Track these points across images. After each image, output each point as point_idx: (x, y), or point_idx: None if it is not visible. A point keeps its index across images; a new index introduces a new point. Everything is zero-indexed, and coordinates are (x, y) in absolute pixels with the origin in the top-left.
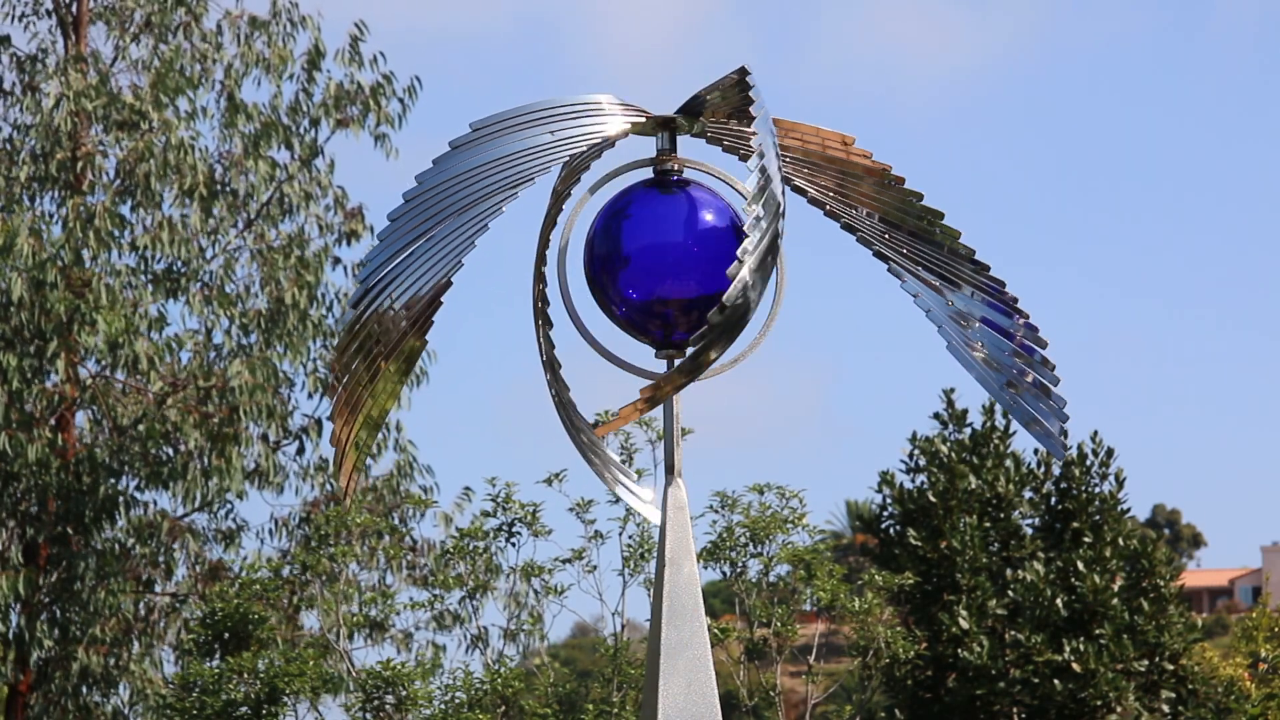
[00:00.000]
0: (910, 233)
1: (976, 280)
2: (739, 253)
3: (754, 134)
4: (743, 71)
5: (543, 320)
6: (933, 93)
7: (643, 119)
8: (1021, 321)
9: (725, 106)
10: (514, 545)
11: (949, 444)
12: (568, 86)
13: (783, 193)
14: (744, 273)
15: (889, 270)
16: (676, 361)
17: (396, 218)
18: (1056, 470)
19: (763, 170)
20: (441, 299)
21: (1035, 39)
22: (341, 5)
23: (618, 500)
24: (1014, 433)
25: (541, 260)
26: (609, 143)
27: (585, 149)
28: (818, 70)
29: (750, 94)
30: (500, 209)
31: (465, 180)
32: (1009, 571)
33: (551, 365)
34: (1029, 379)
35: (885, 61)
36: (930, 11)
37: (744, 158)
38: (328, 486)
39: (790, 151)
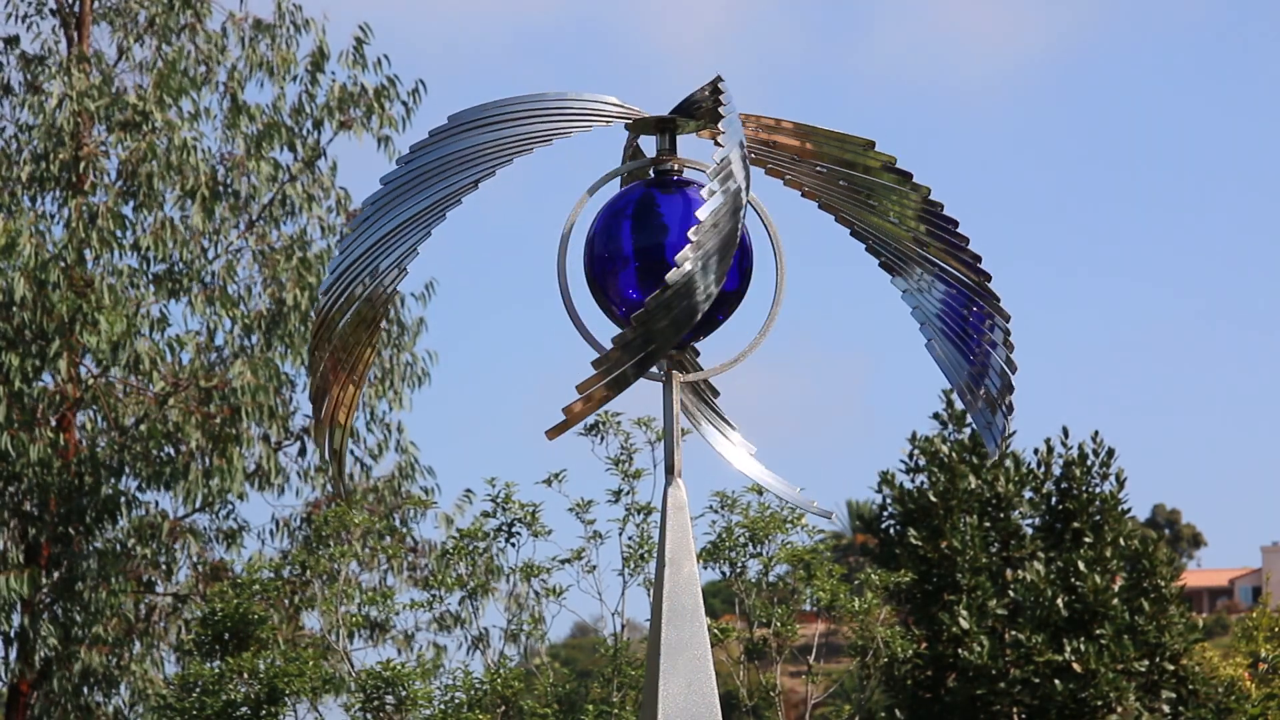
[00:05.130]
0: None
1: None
2: (690, 233)
3: (723, 131)
4: (716, 79)
5: None
6: (992, 82)
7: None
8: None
9: (709, 111)
10: (514, 546)
11: (949, 444)
12: (610, 83)
13: (745, 176)
14: (690, 256)
15: (881, 265)
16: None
17: (373, 202)
18: (1057, 470)
19: (722, 159)
20: (397, 288)
21: (1096, 30)
22: (375, 7)
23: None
24: (1014, 432)
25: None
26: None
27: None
28: (876, 58)
29: (721, 97)
30: (459, 200)
31: (433, 169)
32: (1009, 571)
33: None
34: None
35: (944, 48)
36: None
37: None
38: (328, 487)
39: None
